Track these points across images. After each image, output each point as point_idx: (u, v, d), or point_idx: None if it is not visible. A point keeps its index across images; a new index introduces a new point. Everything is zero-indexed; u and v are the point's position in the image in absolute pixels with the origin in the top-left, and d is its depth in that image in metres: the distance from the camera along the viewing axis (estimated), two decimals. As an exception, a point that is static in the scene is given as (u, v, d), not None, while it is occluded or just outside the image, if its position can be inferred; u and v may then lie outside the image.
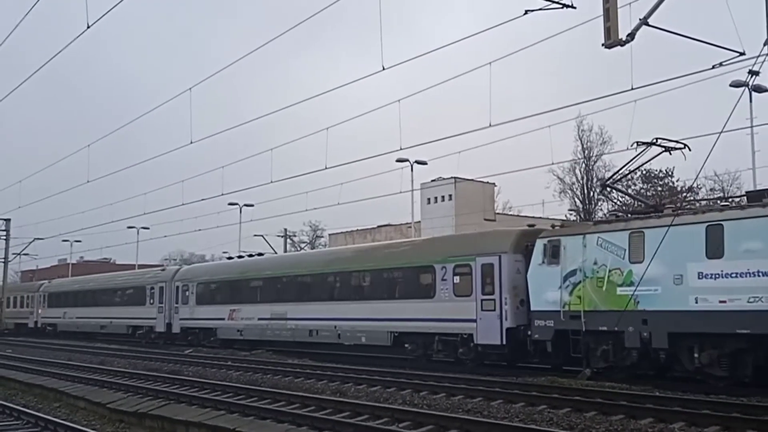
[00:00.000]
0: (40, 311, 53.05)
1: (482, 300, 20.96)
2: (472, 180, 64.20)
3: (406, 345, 23.70)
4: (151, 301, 38.50)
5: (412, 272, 23.99)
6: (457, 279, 21.96)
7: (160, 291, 37.88)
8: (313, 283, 28.39)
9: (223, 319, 32.63)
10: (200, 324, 34.60)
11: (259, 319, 30.34)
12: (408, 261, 24.33)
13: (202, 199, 35.53)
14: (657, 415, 12.39)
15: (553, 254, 19.08)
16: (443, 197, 68.90)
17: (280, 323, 29.08)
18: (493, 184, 70.07)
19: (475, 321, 21.02)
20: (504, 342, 20.20)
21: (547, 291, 19.08)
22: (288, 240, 67.00)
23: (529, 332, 19.56)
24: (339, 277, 27.31)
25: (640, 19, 14.54)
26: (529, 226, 23.24)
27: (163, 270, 41.90)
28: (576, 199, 59.45)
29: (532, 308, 19.51)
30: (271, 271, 31.42)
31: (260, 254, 38.92)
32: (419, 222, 62.01)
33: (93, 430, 13.26)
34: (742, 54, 15.01)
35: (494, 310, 20.51)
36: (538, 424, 12.01)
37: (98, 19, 15.88)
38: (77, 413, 16.01)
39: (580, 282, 18.39)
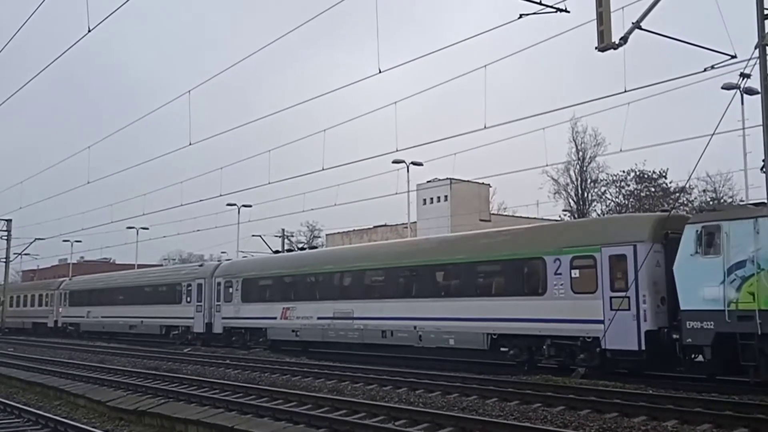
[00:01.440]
0: (60, 310, 49.93)
1: (612, 297, 17.93)
2: (467, 181, 64.68)
3: (505, 349, 20.80)
4: (188, 299, 35.44)
5: (516, 265, 20.80)
6: (575, 273, 18.95)
7: (198, 288, 34.74)
8: (388, 277, 25.09)
9: (274, 318, 29.50)
10: (247, 324, 31.51)
11: (319, 318, 27.14)
12: (510, 252, 21.02)
13: (201, 200, 35.65)
14: (650, 413, 12.49)
15: (709, 243, 16.04)
16: (439, 198, 69.34)
17: (345, 323, 25.87)
18: (488, 185, 70.66)
19: (602, 322, 17.95)
20: (642, 347, 17.16)
21: (703, 287, 16.01)
22: (286, 240, 67.23)
23: (676, 336, 16.59)
24: (421, 271, 23.84)
25: (632, 23, 14.77)
26: (663, 211, 21.00)
27: (200, 266, 38.02)
28: (570, 200, 59.85)
29: (683, 307, 16.35)
30: (333, 265, 28.02)
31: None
32: (415, 222, 62.27)
33: (93, 427, 13.28)
34: (733, 57, 15.24)
35: (629, 309, 17.45)
36: (533, 422, 12.07)
37: (99, 23, 15.99)
38: (77, 411, 16.13)
39: (751, 275, 15.30)
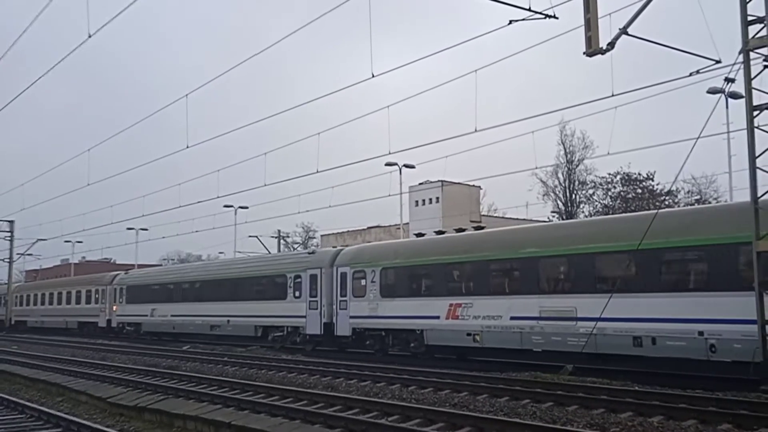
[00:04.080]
0: (114, 308, 44.18)
1: None
2: (458, 183, 65.21)
3: None
4: (297, 293, 29.27)
5: None
6: None
7: (311, 280, 28.68)
8: (646, 263, 17.86)
9: (436, 317, 23.15)
10: (391, 324, 25.09)
11: (513, 318, 20.84)
12: None
13: (199, 202, 35.77)
14: (636, 409, 12.72)
15: None
16: (431, 200, 69.85)
17: (562, 325, 19.42)
18: (479, 187, 71.24)
19: None
20: None
21: None
22: (281, 241, 67.54)
23: None
24: (713, 254, 16.64)
25: (619, 29, 15.20)
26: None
27: (311, 253, 31.29)
28: (559, 202, 60.52)
29: None
30: (536, 248, 20.86)
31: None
32: (408, 224, 62.67)
33: (94, 423, 13.49)
34: (718, 62, 15.66)
35: None
36: (522, 417, 12.25)
37: (99, 29, 16.25)
38: (79, 407, 16.40)
39: None
